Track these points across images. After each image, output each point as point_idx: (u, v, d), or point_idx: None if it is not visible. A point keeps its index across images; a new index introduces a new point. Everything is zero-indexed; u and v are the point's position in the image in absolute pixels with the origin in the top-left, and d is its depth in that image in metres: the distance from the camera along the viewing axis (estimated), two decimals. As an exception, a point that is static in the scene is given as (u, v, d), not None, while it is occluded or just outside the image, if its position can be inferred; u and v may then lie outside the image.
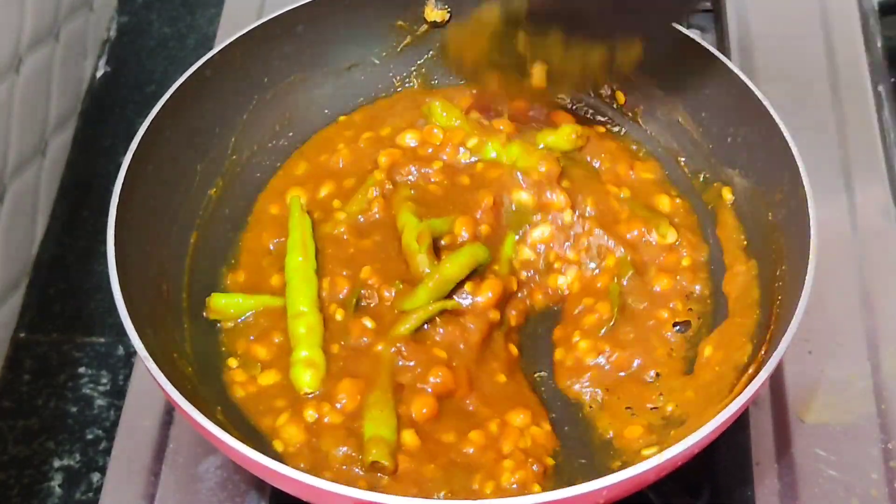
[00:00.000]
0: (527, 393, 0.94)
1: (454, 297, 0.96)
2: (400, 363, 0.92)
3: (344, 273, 0.98)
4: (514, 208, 1.01)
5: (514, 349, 0.97)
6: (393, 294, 0.96)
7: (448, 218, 1.00)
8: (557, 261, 1.01)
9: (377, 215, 1.02)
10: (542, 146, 1.05)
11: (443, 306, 0.94)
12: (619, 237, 1.00)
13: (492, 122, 1.07)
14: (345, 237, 1.01)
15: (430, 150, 1.05)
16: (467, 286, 0.96)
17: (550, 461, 0.90)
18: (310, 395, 0.92)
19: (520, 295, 0.99)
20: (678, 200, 1.05)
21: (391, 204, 1.02)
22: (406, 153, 1.05)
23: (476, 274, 0.97)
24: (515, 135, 1.06)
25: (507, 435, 0.90)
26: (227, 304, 0.98)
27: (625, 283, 0.98)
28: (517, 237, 1.01)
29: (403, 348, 0.92)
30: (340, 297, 0.97)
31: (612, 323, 0.97)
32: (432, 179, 1.04)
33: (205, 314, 0.98)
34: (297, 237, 1.00)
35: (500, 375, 0.94)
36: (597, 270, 1.00)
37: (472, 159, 1.05)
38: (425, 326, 0.94)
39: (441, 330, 0.94)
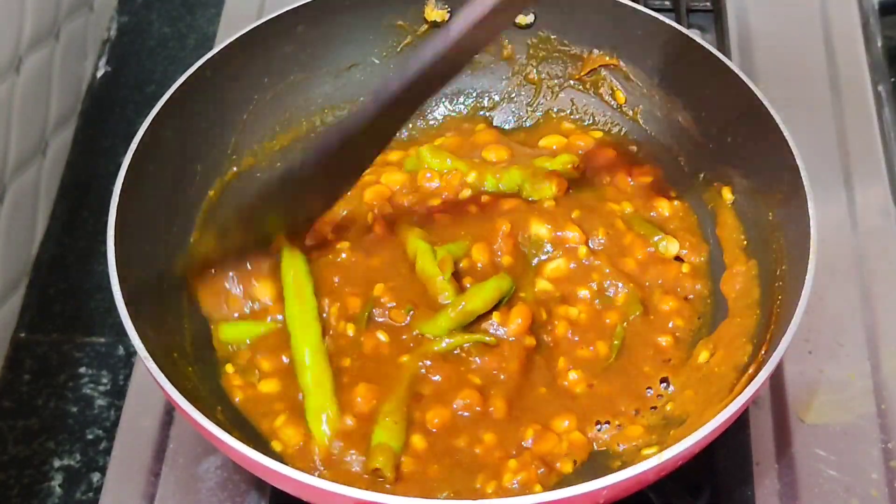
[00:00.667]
0: (568, 400, 0.94)
1: (483, 324, 0.95)
2: (423, 372, 0.92)
3: (354, 292, 0.97)
4: (530, 240, 1.01)
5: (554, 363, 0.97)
6: (408, 319, 0.95)
7: (462, 243, 1.00)
8: (570, 294, 1.00)
9: (378, 233, 1.01)
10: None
11: (479, 339, 0.94)
12: (626, 275, 0.99)
13: (482, 153, 1.07)
14: (352, 259, 0.99)
15: (429, 185, 1.05)
16: (495, 316, 0.95)
17: (569, 467, 0.90)
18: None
19: (550, 327, 0.98)
20: (677, 203, 1.05)
21: (393, 226, 1.01)
22: (396, 194, 1.05)
23: (502, 303, 0.96)
24: (512, 160, 1.06)
25: (546, 440, 0.90)
26: (235, 333, 0.97)
27: (630, 318, 0.98)
28: (533, 263, 1.01)
29: (430, 363, 0.93)
30: (350, 313, 0.97)
31: (608, 362, 0.96)
32: (435, 213, 1.04)
33: (214, 343, 0.97)
34: (290, 281, 0.97)
35: (541, 388, 0.94)
36: (603, 307, 0.99)
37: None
38: (456, 350, 0.94)
39: (478, 360, 0.94)
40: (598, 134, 1.10)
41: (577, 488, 0.76)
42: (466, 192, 1.05)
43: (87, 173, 1.35)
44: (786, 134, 0.95)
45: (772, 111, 0.96)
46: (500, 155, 1.07)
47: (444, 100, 1.15)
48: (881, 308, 1.07)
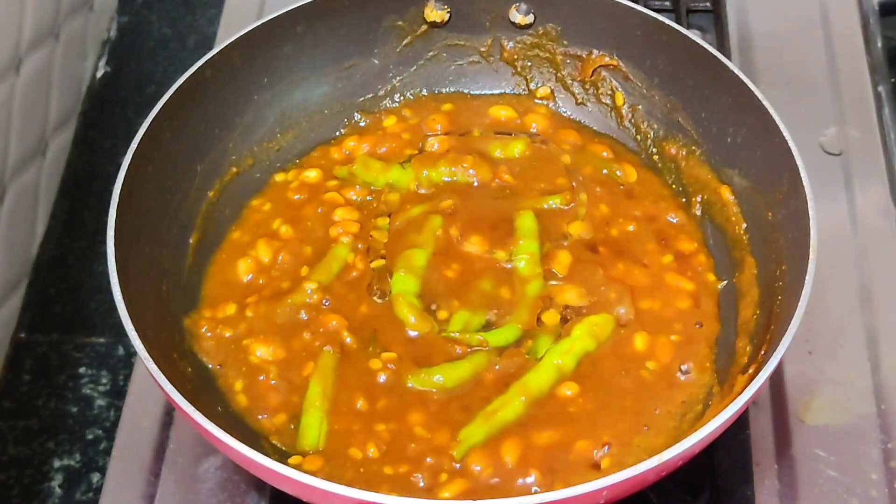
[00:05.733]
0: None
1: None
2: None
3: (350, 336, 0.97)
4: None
5: None
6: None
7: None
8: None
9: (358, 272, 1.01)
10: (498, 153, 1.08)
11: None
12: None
13: (424, 146, 1.09)
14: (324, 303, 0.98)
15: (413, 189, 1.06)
16: None
17: None
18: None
19: None
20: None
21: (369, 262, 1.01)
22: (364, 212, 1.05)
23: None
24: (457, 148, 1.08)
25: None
26: None
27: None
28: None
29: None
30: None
31: None
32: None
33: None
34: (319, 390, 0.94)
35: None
36: None
37: (447, 178, 1.06)
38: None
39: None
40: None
41: (577, 488, 0.76)
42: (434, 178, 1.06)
43: (87, 173, 1.35)
44: (786, 134, 0.95)
45: (772, 111, 0.96)
46: (442, 145, 1.08)
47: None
48: (881, 308, 1.07)
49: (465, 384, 0.93)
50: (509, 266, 1.00)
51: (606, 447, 0.89)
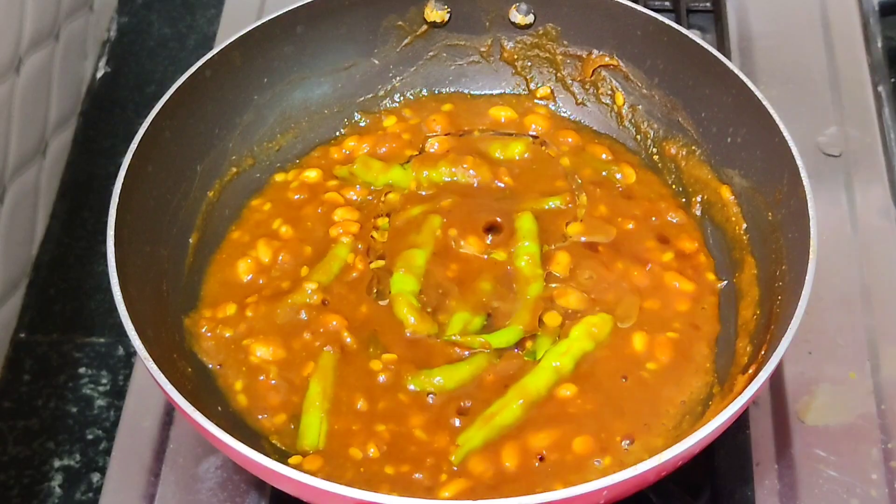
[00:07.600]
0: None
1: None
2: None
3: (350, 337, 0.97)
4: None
5: None
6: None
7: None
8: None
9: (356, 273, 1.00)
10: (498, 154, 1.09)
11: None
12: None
13: (424, 146, 1.09)
14: (324, 302, 0.98)
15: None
16: None
17: None
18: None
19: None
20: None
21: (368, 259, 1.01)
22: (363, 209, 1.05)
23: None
24: (459, 147, 1.08)
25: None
26: None
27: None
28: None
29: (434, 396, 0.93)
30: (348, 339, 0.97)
31: None
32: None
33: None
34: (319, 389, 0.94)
35: None
36: None
37: (447, 179, 1.06)
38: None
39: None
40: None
41: (577, 488, 0.76)
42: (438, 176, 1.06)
43: (87, 173, 1.35)
44: (786, 134, 0.95)
45: (772, 111, 0.96)
46: (442, 145, 1.09)
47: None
48: (881, 308, 1.07)
49: (464, 386, 0.93)
50: (509, 267, 1.00)
51: (605, 447, 0.90)
